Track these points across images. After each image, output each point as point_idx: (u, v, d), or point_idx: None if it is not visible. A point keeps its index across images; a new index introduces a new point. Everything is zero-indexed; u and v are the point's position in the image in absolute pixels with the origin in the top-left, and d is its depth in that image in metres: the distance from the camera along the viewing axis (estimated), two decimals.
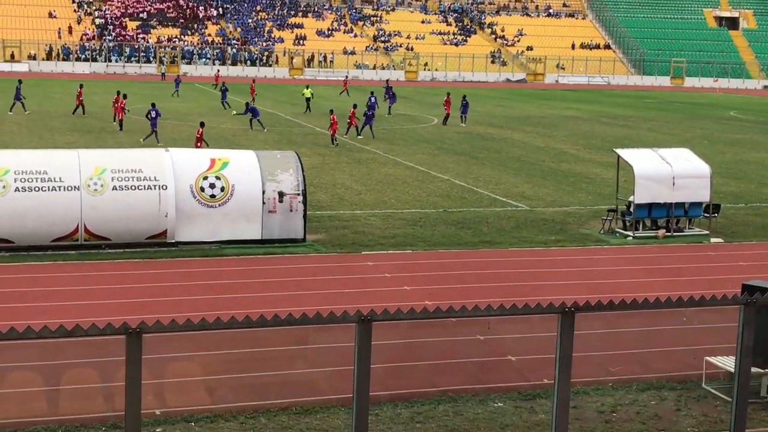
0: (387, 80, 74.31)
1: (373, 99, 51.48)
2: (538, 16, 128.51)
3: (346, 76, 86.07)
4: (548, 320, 14.01)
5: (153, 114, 40.57)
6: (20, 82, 53.47)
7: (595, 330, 13.74)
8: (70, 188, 20.61)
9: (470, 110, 54.20)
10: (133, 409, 6.86)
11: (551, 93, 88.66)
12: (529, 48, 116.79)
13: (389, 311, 7.47)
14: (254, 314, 7.79)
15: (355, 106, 46.86)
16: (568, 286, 18.96)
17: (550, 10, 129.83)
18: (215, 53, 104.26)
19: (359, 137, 44.13)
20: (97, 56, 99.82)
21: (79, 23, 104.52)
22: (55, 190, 20.53)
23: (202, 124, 37.39)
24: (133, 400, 6.81)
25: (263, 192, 22.18)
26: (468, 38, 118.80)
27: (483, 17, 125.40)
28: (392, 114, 55.76)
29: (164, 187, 21.24)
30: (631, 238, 24.29)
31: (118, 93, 47.45)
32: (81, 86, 52.66)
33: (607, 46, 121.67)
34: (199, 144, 35.24)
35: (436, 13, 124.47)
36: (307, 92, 59.05)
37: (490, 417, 12.22)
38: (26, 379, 12.26)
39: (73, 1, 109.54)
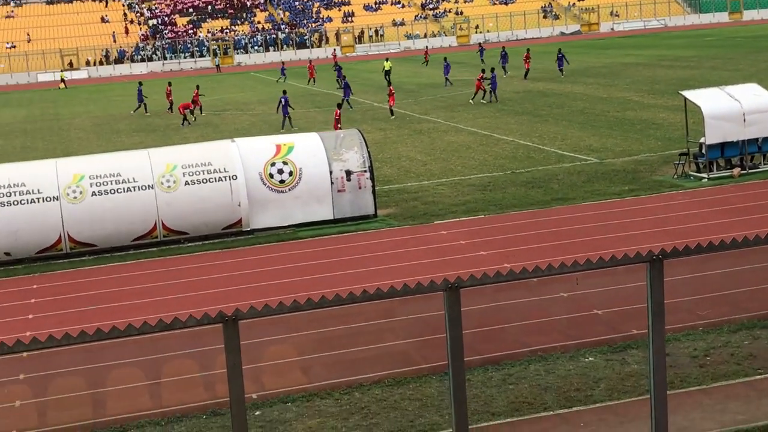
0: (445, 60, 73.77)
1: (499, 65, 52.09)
2: None
3: (426, 47, 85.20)
4: (631, 271, 13.89)
5: (283, 102, 40.77)
6: (141, 84, 54.66)
7: (680, 275, 13.63)
8: (144, 188, 21.03)
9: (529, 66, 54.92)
10: (237, 394, 7.04)
11: (608, 42, 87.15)
12: None
13: (475, 277, 7.51)
14: (340, 292, 7.92)
15: (483, 71, 46.81)
16: (647, 234, 18.76)
17: None
18: (266, 39, 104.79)
19: (483, 102, 44.34)
20: (153, 56, 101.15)
21: (131, 24, 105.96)
22: (130, 190, 20.98)
23: (339, 105, 37.56)
24: (236, 386, 6.99)
25: (330, 172, 22.35)
26: None
27: None
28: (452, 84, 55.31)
29: (234, 177, 21.55)
30: (706, 180, 23.89)
31: (198, 87, 48.93)
32: (169, 84, 53.34)
33: None
34: (338, 126, 35.49)
35: None
36: (387, 65, 60.35)
37: (583, 372, 12.22)
38: (129, 375, 12.64)
39: (124, 4, 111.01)
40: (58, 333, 7.44)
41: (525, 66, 56.37)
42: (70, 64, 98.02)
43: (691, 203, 21.87)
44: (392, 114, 42.02)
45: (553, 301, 14.73)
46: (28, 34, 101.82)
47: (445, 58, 57.92)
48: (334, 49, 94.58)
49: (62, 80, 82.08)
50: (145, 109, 51.90)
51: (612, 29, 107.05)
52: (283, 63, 75.24)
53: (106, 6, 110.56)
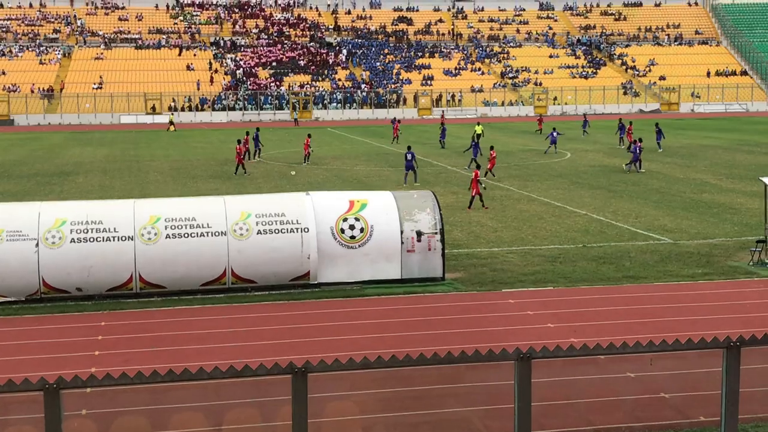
0: (584, 118, 73.67)
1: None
2: (670, 45, 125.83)
3: (540, 116, 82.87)
4: (703, 356, 13.57)
5: (409, 157, 41.49)
6: (258, 130, 56.36)
7: (754, 365, 13.25)
8: (217, 233, 21.33)
9: (605, 142, 54.80)
10: None
11: (687, 122, 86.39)
12: (662, 78, 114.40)
13: (547, 348, 7.42)
14: (402, 353, 7.88)
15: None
16: (719, 320, 18.35)
17: (682, 39, 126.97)
18: (345, 97, 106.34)
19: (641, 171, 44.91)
20: (234, 105, 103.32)
21: (215, 74, 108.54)
22: (204, 236, 21.29)
23: (478, 166, 37.98)
24: None
25: (401, 232, 22.41)
26: (598, 70, 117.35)
27: (613, 49, 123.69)
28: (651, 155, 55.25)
29: (306, 230, 21.74)
30: None
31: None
32: (309, 136, 53.68)
33: (744, 73, 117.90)
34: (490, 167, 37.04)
35: (563, 47, 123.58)
36: (479, 129, 61.04)
37: None
38: (191, 419, 12.66)
39: (211, 54, 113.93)
40: (122, 371, 7.53)
41: (627, 139, 57.51)
42: (153, 108, 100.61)
43: (766, 292, 21.34)
44: (493, 175, 42.79)
45: (620, 380, 14.42)
46: (100, 76, 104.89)
47: (554, 129, 57.34)
48: (443, 111, 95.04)
49: (171, 122, 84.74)
50: (259, 154, 53.55)
51: (692, 110, 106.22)
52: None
53: (195, 55, 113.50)
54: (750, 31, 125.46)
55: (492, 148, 44.69)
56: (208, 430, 12.54)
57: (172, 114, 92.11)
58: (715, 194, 37.29)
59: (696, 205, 34.31)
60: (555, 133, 55.26)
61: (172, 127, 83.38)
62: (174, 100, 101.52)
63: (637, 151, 45.25)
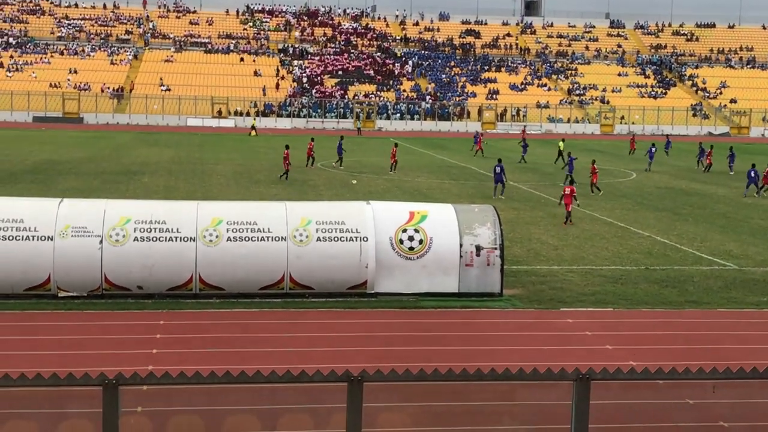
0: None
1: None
2: (742, 67, 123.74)
3: (634, 134, 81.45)
4: (765, 386, 13.25)
5: (498, 170, 41.92)
6: (342, 138, 58.39)
7: None
8: (277, 239, 21.46)
9: (671, 164, 54.07)
10: None
11: (757, 147, 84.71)
12: (733, 101, 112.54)
13: (607, 370, 7.28)
14: (459, 368, 7.80)
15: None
16: None
17: (755, 62, 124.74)
18: (409, 108, 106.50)
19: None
20: (299, 112, 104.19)
21: (282, 80, 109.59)
22: (264, 240, 21.43)
23: (572, 182, 38.17)
24: None
25: (461, 245, 22.29)
26: (667, 91, 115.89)
27: (683, 69, 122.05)
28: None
29: (365, 239, 21.75)
30: None
31: (313, 139, 50.21)
32: (312, 140, 56.20)
33: None
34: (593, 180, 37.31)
35: (633, 66, 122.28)
36: (561, 145, 61.72)
37: None
38: (245, 422, 12.73)
39: (279, 61, 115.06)
40: (179, 371, 7.58)
41: (707, 161, 57.86)
42: (219, 112, 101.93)
43: None
44: (599, 190, 43.24)
45: (678, 406, 14.11)
46: (159, 79, 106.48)
47: (570, 153, 54.53)
48: (524, 126, 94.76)
49: (253, 127, 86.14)
50: (341, 163, 54.23)
51: (763, 135, 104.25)
52: (478, 132, 75.68)
53: (262, 62, 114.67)
54: None
55: (593, 162, 44.82)
56: None
57: (255, 119, 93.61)
58: None
59: (764, 232, 33.58)
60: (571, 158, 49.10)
61: (253, 132, 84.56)
62: (255, 106, 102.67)
63: (752, 175, 44.95)
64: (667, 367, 7.88)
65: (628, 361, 16.55)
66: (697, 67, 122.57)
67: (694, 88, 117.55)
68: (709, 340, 18.85)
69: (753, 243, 31.03)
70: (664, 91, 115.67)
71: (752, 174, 45.00)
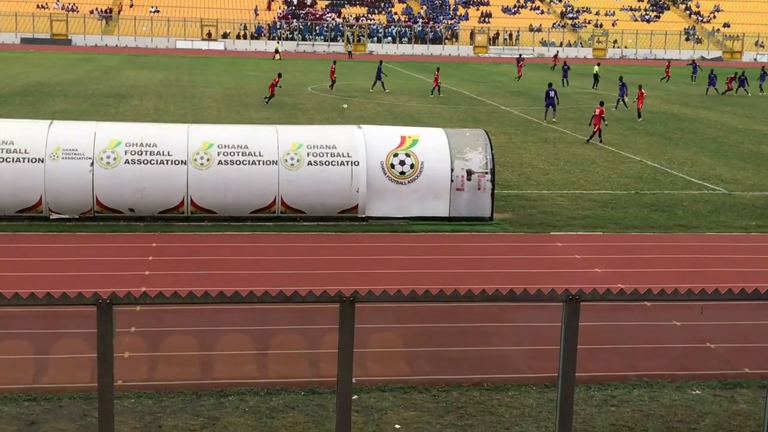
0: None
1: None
2: None
3: (669, 61, 78.18)
4: (752, 308, 13.44)
5: (551, 93, 42.34)
6: (381, 62, 58.56)
7: None
8: (268, 162, 21.42)
9: (663, 87, 53.87)
10: (345, 375, 7.10)
11: (749, 72, 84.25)
12: (726, 25, 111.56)
13: (597, 291, 7.38)
14: (449, 290, 7.89)
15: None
16: None
17: None
18: (400, 31, 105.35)
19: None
20: (290, 35, 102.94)
21: (273, 1, 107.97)
22: (255, 164, 21.39)
23: (601, 103, 37.48)
24: (346, 367, 7.05)
25: (452, 170, 22.28)
26: (660, 14, 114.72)
27: None
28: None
29: (356, 163, 21.72)
30: None
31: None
32: (334, 62, 57.38)
33: None
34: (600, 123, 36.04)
35: None
36: (596, 69, 62.35)
37: (688, 404, 11.88)
38: (238, 342, 12.91)
39: None
40: (173, 291, 7.65)
41: (728, 86, 58.96)
42: (209, 34, 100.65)
43: None
44: (639, 116, 43.41)
45: (666, 328, 14.37)
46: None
47: (621, 77, 51.86)
48: (557, 51, 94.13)
49: (277, 51, 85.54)
50: (383, 86, 54.57)
51: (755, 59, 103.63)
52: (521, 56, 75.02)
53: None
54: None
55: (641, 87, 45.00)
56: (254, 353, 12.77)
57: (278, 43, 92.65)
58: None
59: (754, 156, 33.66)
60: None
61: (277, 56, 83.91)
62: (245, 28, 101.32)
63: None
64: (656, 290, 7.97)
65: (617, 284, 16.73)
66: None
67: (688, 12, 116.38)
68: (698, 264, 19.04)
69: (743, 167, 31.12)
70: (657, 14, 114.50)
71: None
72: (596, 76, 61.30)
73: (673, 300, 7.40)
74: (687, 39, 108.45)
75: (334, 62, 57.92)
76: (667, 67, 71.51)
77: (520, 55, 79.03)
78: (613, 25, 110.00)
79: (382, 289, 8.03)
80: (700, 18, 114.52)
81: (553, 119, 41.89)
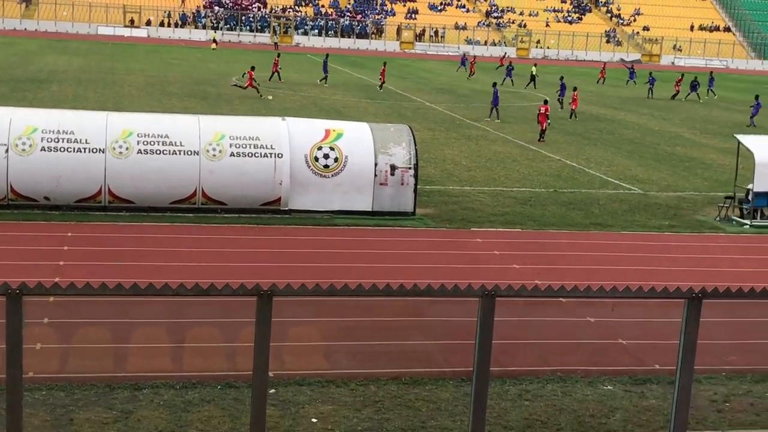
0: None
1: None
2: None
3: (605, 63, 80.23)
4: (662, 306, 13.79)
5: (496, 92, 43.04)
6: (327, 56, 58.40)
7: (710, 318, 13.47)
8: (189, 152, 21.17)
9: (584, 89, 55.18)
10: (261, 369, 7.08)
11: (667, 75, 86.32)
12: (646, 28, 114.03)
13: (512, 287, 7.50)
14: (369, 284, 7.93)
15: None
16: (681, 272, 18.60)
17: None
18: (327, 24, 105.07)
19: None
20: (216, 25, 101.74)
21: None
22: (176, 153, 21.12)
23: (545, 102, 38.85)
24: (262, 360, 7.03)
25: (375, 164, 22.35)
26: (582, 16, 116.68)
27: None
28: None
29: (280, 156, 21.63)
30: (748, 226, 23.62)
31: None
32: (278, 55, 57.46)
33: (727, 29, 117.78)
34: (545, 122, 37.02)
35: None
36: (534, 70, 62.94)
37: (600, 399, 12.15)
38: (153, 335, 12.73)
39: None
40: (86, 282, 7.51)
41: (676, 89, 59.99)
42: (131, 21, 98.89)
43: (730, 247, 21.64)
44: (574, 116, 44.50)
45: (579, 324, 14.66)
46: None
47: (562, 78, 52.19)
48: (506, 53, 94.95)
49: (215, 41, 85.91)
50: (326, 80, 54.84)
51: (673, 63, 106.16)
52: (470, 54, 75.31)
53: None
54: None
55: (575, 89, 46.09)
56: (170, 347, 12.62)
57: (215, 33, 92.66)
58: (689, 148, 37.52)
59: (668, 158, 34.52)
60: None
61: (214, 45, 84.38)
62: (169, 15, 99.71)
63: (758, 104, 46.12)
64: (570, 286, 8.13)
65: (534, 280, 16.98)
66: None
67: (609, 15, 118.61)
68: (612, 262, 19.45)
69: (658, 168, 31.89)
70: (579, 16, 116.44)
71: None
72: (533, 77, 62.12)
73: (585, 297, 7.57)
74: (608, 41, 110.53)
75: (279, 54, 58.32)
76: (602, 69, 72.67)
77: (465, 54, 79.86)
78: (547, 25, 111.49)
79: (300, 283, 8.02)
80: (621, 21, 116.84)
81: (497, 119, 42.29)
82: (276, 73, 54.44)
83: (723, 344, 14.18)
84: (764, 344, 14.81)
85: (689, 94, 59.74)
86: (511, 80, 62.53)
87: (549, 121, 37.98)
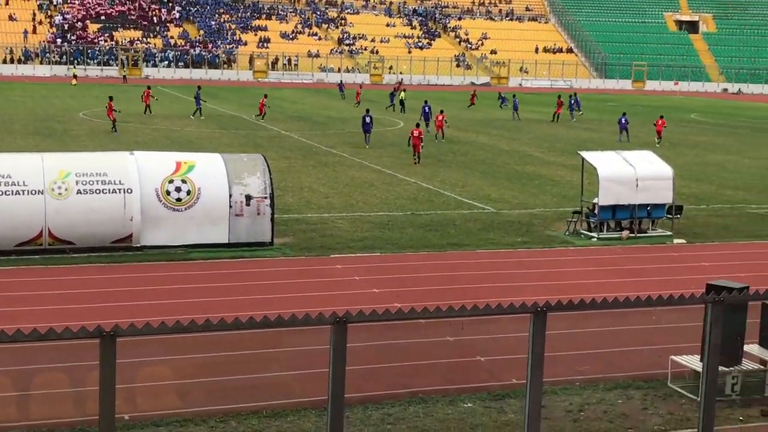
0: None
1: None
2: (502, 20, 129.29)
3: (475, 88, 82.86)
4: (517, 321, 14.04)
5: (368, 120, 43.22)
6: (199, 88, 57.34)
7: (562, 330, 13.85)
8: (33, 192, 20.40)
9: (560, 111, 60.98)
10: (107, 413, 6.81)
11: (529, 97, 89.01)
12: (493, 52, 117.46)
13: (364, 313, 7.49)
14: (226, 318, 7.77)
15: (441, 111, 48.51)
16: (535, 287, 19.09)
17: (513, 14, 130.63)
18: (177, 55, 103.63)
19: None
20: (61, 60, 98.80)
21: (39, 25, 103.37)
22: (19, 194, 20.32)
23: (417, 124, 40.02)
24: (107, 404, 6.76)
25: (230, 195, 22.10)
26: (432, 42, 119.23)
27: (447, 21, 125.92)
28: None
29: (129, 191, 21.10)
30: (595, 239, 24.51)
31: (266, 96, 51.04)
32: (149, 87, 57.52)
33: (570, 50, 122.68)
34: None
35: (400, 17, 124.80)
36: (403, 95, 64.47)
37: (460, 417, 12.28)
38: None
39: (36, 5, 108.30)
40: None
41: (556, 110, 61.65)
42: None
43: (579, 260, 22.39)
44: (441, 138, 46.03)
45: (438, 344, 14.81)
46: None
47: (514, 95, 60.91)
48: (401, 79, 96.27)
49: (75, 76, 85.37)
50: (200, 113, 53.88)
51: (520, 84, 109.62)
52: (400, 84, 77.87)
53: (8, 4, 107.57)
54: (576, 10, 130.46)
55: (442, 111, 47.21)
56: (14, 395, 12.04)
57: (74, 68, 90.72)
58: (538, 166, 38.73)
59: (519, 177, 35.53)
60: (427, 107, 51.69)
61: (74, 81, 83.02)
62: (11, 52, 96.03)
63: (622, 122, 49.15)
64: (432, 307, 8.18)
65: (394, 303, 17.08)
66: (460, 19, 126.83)
67: (458, 40, 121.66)
68: (468, 280, 19.79)
69: (509, 187, 32.78)
70: (429, 42, 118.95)
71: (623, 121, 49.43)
72: (402, 102, 63.26)
73: (435, 317, 7.63)
74: (458, 65, 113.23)
75: (149, 87, 57.68)
76: (473, 94, 74.25)
77: (341, 82, 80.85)
78: (410, 51, 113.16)
79: (146, 321, 7.79)
80: (469, 45, 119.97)
81: (366, 145, 42.83)
82: (148, 106, 53.44)
83: (575, 355, 14.59)
84: (612, 353, 15.35)
85: (572, 112, 62.69)
86: (393, 106, 63.79)
87: (423, 143, 38.72)
